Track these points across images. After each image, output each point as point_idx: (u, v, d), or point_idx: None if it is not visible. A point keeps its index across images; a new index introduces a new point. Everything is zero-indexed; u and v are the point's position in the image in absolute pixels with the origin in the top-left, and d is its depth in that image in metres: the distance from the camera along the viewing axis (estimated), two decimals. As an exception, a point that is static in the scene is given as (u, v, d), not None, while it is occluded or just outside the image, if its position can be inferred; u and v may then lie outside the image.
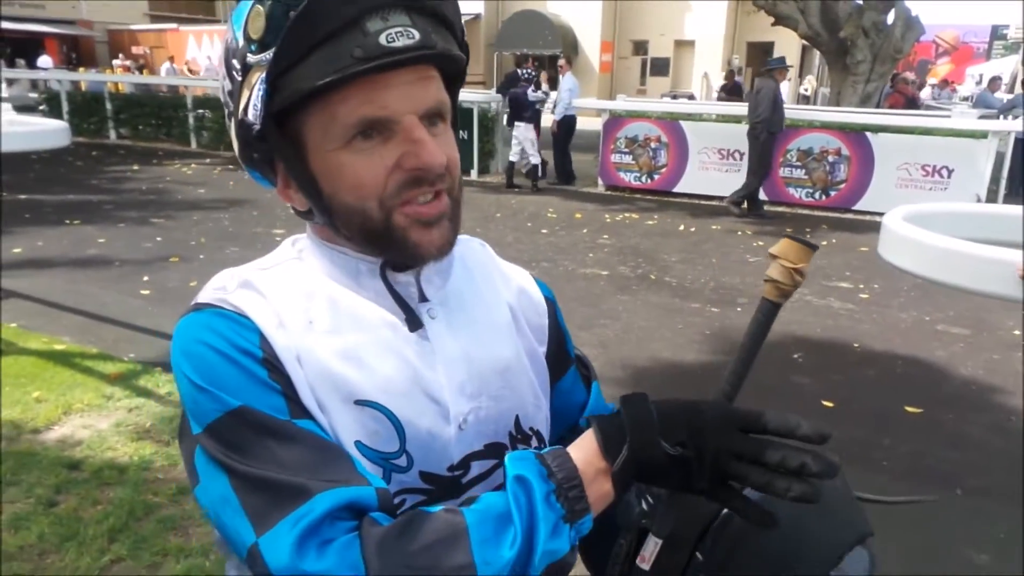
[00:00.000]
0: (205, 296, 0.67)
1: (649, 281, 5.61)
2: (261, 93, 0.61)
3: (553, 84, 10.08)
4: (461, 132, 10.16)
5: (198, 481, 0.61)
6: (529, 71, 9.79)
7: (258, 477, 0.57)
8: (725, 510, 0.62)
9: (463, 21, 0.68)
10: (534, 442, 0.78)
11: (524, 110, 9.27)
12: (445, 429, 0.69)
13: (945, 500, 2.72)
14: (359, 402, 0.65)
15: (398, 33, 0.60)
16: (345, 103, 0.61)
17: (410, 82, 0.62)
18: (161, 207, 7.79)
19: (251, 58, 0.62)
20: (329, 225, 0.68)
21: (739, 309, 4.96)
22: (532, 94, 9.33)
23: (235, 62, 0.64)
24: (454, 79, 0.70)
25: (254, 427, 0.59)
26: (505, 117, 9.95)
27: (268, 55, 0.60)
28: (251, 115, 0.63)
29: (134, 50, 25.35)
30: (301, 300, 0.68)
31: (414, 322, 0.70)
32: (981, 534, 2.54)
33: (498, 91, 10.77)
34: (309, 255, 0.72)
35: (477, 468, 0.72)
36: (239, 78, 0.64)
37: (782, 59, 8.34)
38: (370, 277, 0.70)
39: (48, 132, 3.40)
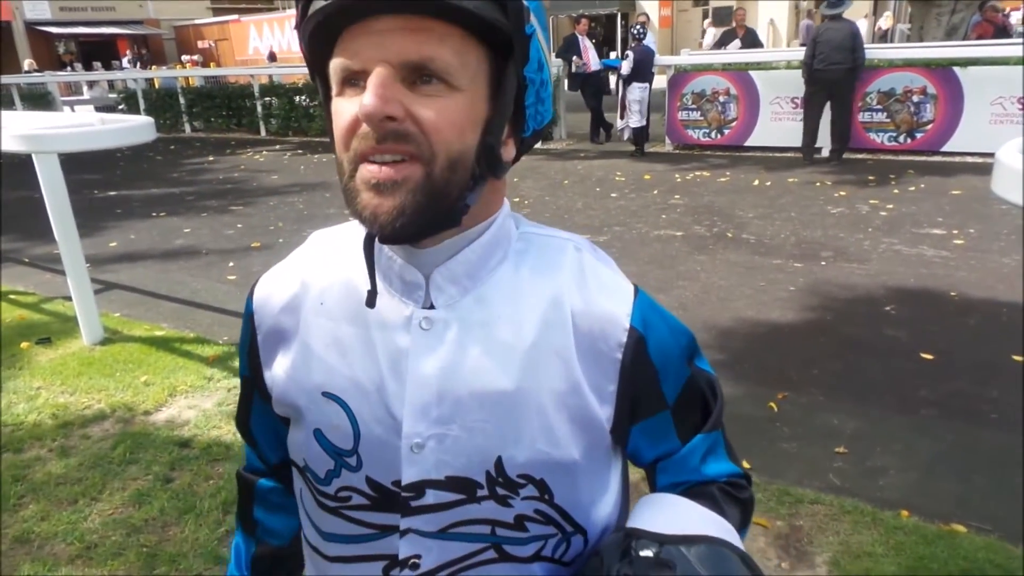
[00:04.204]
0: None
1: (726, 239, 5.46)
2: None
3: (604, 46, 9.62)
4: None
5: None
6: (640, 28, 9.27)
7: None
8: None
9: None
10: (529, 490, 0.68)
11: (648, 70, 9.02)
12: (395, 444, 0.67)
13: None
14: (326, 394, 0.69)
15: None
16: (343, 50, 0.59)
17: (391, 30, 0.56)
18: (239, 195, 8.06)
19: None
20: None
21: (823, 263, 4.77)
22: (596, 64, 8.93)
23: None
24: (501, 49, 0.61)
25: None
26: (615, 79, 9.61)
27: None
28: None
29: (200, 44, 26.15)
30: (329, 275, 0.72)
31: (370, 300, 0.66)
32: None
33: (558, 56, 10.58)
34: None
35: (433, 497, 0.68)
36: None
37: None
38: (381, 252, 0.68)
39: (136, 128, 3.53)
